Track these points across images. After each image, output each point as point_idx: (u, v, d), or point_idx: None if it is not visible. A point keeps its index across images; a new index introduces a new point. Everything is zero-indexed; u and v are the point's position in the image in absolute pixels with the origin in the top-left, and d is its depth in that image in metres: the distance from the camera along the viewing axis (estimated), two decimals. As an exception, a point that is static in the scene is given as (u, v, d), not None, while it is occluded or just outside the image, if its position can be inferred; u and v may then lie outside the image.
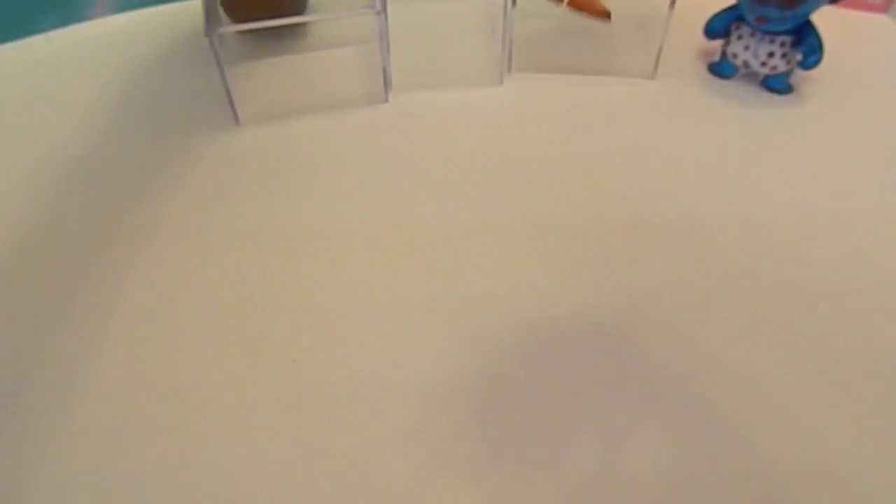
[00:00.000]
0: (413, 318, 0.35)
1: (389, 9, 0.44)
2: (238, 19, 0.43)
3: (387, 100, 0.48)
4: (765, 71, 0.47)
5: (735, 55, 0.48)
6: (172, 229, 0.40)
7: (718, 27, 0.49)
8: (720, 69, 0.50)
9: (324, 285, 0.37)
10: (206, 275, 0.37)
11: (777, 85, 0.48)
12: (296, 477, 0.30)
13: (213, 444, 0.31)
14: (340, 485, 0.30)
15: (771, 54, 0.46)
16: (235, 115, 0.46)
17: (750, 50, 0.47)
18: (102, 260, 0.38)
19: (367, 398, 0.32)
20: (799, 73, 0.48)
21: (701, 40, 0.50)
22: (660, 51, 0.48)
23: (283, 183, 0.43)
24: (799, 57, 0.47)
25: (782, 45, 0.46)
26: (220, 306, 0.36)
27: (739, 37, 0.47)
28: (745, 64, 0.48)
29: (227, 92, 0.44)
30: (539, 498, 0.29)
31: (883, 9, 0.57)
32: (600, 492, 0.29)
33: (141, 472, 0.30)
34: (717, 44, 0.50)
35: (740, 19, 0.47)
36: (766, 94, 0.49)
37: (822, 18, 0.45)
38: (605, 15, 0.50)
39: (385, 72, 0.47)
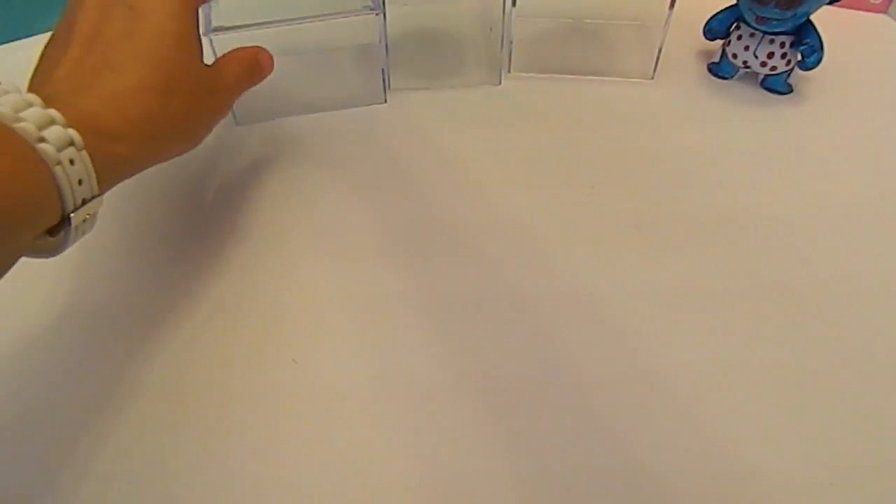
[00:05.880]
0: (413, 318, 0.35)
1: (388, 9, 0.44)
2: None
3: (385, 100, 0.48)
4: (764, 71, 0.47)
5: (735, 55, 0.48)
6: (170, 229, 0.40)
7: (718, 27, 0.49)
8: (720, 69, 0.50)
9: (324, 285, 0.37)
10: (205, 275, 0.37)
11: (777, 85, 0.48)
12: (296, 477, 0.30)
13: (213, 444, 0.31)
14: (340, 485, 0.30)
15: (771, 54, 0.46)
16: (234, 114, 0.46)
17: (750, 50, 0.47)
18: (99, 259, 0.38)
19: (367, 398, 0.32)
20: (799, 73, 0.48)
21: (701, 41, 0.50)
22: (659, 51, 0.48)
23: (281, 183, 0.43)
24: (799, 57, 0.47)
25: (782, 45, 0.46)
26: (220, 306, 0.36)
27: (739, 37, 0.47)
28: (745, 64, 0.48)
29: None
30: (539, 498, 0.29)
31: (883, 9, 0.57)
32: (599, 492, 0.29)
33: (140, 471, 0.30)
34: (717, 44, 0.50)
35: (740, 19, 0.47)
36: (766, 94, 0.49)
37: (822, 18, 0.45)
38: None
39: (384, 72, 0.47)
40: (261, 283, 0.37)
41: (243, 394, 0.32)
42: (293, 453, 0.31)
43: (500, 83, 0.50)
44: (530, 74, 0.50)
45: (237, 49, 0.36)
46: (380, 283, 0.37)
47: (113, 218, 0.40)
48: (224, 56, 0.36)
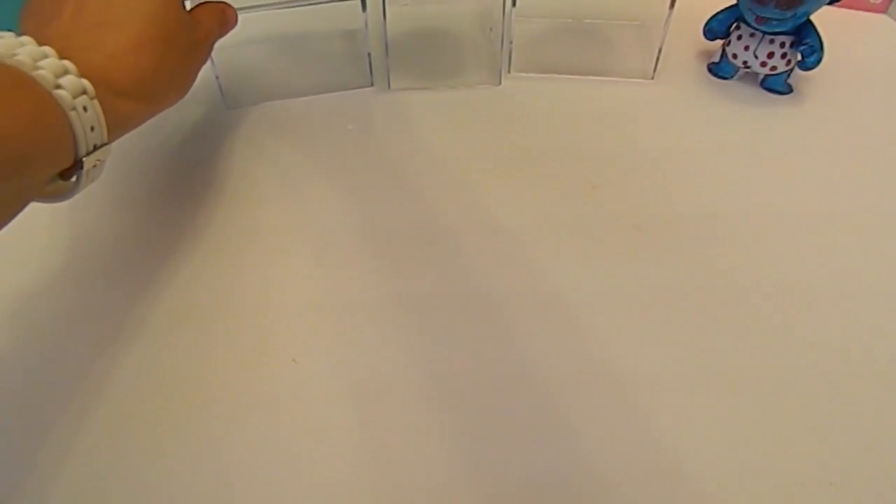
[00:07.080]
0: (412, 318, 0.35)
1: (388, 9, 0.44)
2: None
3: (372, 84, 0.48)
4: (765, 71, 0.47)
5: (735, 55, 0.48)
6: (166, 228, 0.40)
7: (718, 27, 0.49)
8: (720, 69, 0.50)
9: (323, 284, 0.37)
10: (204, 274, 0.37)
11: (777, 85, 0.48)
12: (296, 477, 0.30)
13: (213, 444, 0.31)
14: (340, 484, 0.30)
15: (771, 54, 0.46)
16: (223, 97, 0.46)
17: (750, 50, 0.47)
18: (95, 257, 0.38)
19: (367, 398, 0.32)
20: (799, 73, 0.48)
21: (701, 41, 0.50)
22: (660, 51, 0.48)
23: (271, 174, 0.43)
24: (799, 57, 0.47)
25: (782, 45, 0.46)
26: (220, 306, 0.36)
27: (739, 37, 0.47)
28: (745, 64, 0.48)
29: (216, 77, 0.44)
30: (538, 498, 0.29)
31: (883, 9, 0.57)
32: (597, 491, 0.29)
33: (140, 471, 0.30)
34: (717, 44, 0.50)
35: (740, 19, 0.47)
36: (765, 94, 0.49)
37: (822, 18, 0.45)
38: None
39: (369, 56, 0.47)
40: (259, 283, 0.37)
41: (243, 394, 0.32)
42: (293, 453, 0.31)
43: (500, 83, 0.50)
44: (530, 74, 0.50)
45: (205, 3, 0.38)
46: (378, 282, 0.37)
47: (103, 210, 0.40)
48: (197, 8, 0.37)
